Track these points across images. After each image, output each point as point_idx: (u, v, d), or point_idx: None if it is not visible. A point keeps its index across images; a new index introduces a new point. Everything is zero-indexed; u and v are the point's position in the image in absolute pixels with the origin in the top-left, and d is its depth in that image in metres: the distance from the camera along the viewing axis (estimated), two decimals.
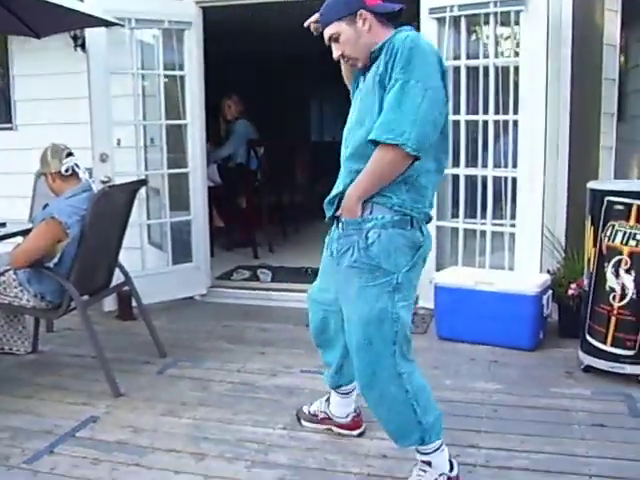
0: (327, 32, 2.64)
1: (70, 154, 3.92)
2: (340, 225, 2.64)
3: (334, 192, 2.68)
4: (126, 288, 4.34)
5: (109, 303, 5.08)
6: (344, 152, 2.69)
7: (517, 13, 4.50)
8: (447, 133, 2.65)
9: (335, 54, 2.67)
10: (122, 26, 4.79)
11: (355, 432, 3.24)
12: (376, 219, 2.54)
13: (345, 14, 2.60)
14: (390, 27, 2.65)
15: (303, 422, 3.35)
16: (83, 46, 5.37)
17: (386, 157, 2.44)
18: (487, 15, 4.62)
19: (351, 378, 3.07)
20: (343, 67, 2.88)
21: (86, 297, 4.00)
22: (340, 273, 2.67)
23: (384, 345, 2.60)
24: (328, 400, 3.30)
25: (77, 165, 3.92)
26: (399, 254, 2.55)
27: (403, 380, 2.62)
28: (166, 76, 5.35)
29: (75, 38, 5.66)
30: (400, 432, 2.72)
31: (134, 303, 4.49)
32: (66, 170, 3.85)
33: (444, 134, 2.61)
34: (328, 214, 2.73)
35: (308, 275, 5.74)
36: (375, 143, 2.45)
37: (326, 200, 2.72)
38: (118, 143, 5.25)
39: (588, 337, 3.93)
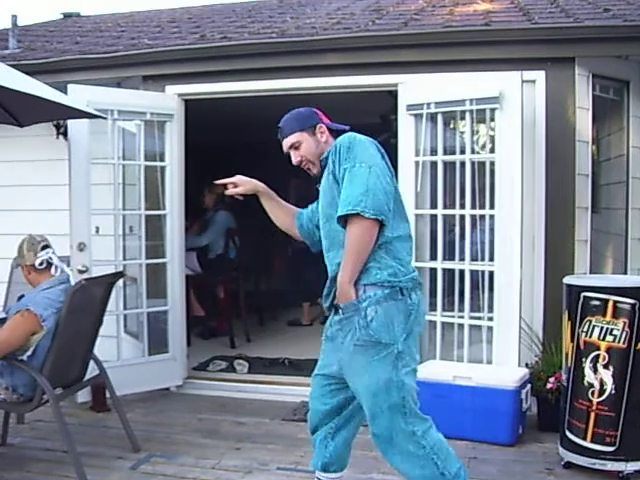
0: (289, 141, 3.08)
1: (46, 246, 3.92)
2: (340, 311, 2.90)
3: (331, 287, 2.96)
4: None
5: (83, 394, 4.97)
6: (323, 247, 3.07)
7: (492, 111, 4.62)
8: (401, 202, 3.00)
9: (295, 160, 3.10)
10: (104, 118, 4.84)
11: None
12: (370, 297, 2.83)
13: (307, 126, 3.08)
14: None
15: None
16: (65, 134, 5.44)
17: (355, 229, 2.77)
18: (463, 112, 4.74)
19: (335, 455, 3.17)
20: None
21: (59, 390, 3.93)
22: (344, 352, 2.92)
23: (395, 411, 2.83)
24: None
25: (52, 258, 3.91)
26: (395, 325, 2.83)
27: (418, 437, 2.84)
28: (147, 166, 5.38)
29: (58, 127, 5.74)
30: None
31: (108, 394, 4.40)
32: (40, 264, 3.85)
33: (399, 202, 2.97)
34: (325, 305, 3.02)
35: (285, 366, 5.71)
36: (343, 223, 2.81)
37: (323, 295, 3.01)
38: (97, 231, 5.25)
39: (568, 433, 3.91)
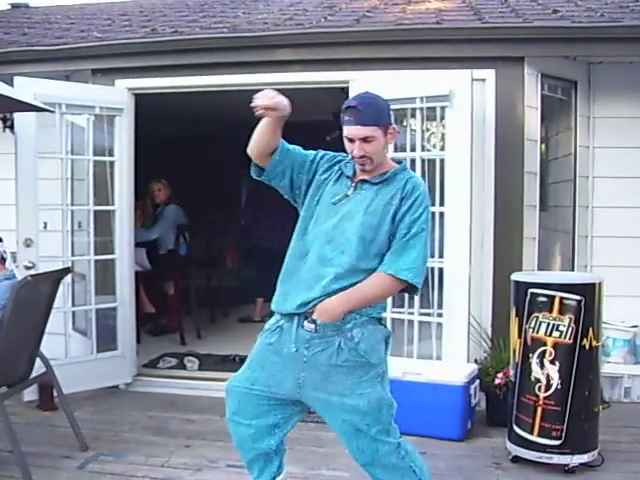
0: (365, 132, 2.75)
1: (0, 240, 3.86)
2: (314, 327, 2.74)
3: (312, 296, 2.76)
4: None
5: (29, 392, 4.88)
6: (330, 255, 2.78)
7: (442, 109, 4.66)
8: None
9: (358, 152, 2.78)
10: (52, 112, 4.77)
11: None
12: (355, 319, 2.75)
13: (385, 123, 2.81)
14: None
15: None
16: (12, 128, 5.32)
17: (394, 289, 2.79)
18: (414, 110, 4.78)
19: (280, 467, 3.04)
20: (266, 130, 2.86)
21: (4, 388, 3.85)
22: (313, 371, 2.77)
23: (382, 429, 2.80)
24: None
25: (5, 252, 3.85)
26: (379, 347, 2.81)
27: (400, 448, 2.85)
28: (96, 161, 5.30)
29: (4, 120, 5.62)
30: None
31: (56, 392, 4.34)
32: None
33: None
34: (298, 310, 2.79)
35: (236, 363, 5.60)
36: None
37: (299, 302, 2.78)
38: (44, 226, 5.16)
39: (515, 427, 3.96)
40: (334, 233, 2.79)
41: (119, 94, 5.37)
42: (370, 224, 2.76)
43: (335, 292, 2.74)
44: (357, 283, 2.75)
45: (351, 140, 2.79)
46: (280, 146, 2.93)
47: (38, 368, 4.16)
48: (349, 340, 2.74)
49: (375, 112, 2.79)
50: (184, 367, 5.83)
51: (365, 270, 2.76)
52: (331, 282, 2.75)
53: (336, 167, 2.95)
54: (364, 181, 2.85)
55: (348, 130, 2.78)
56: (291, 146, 2.98)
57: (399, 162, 2.97)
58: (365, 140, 2.76)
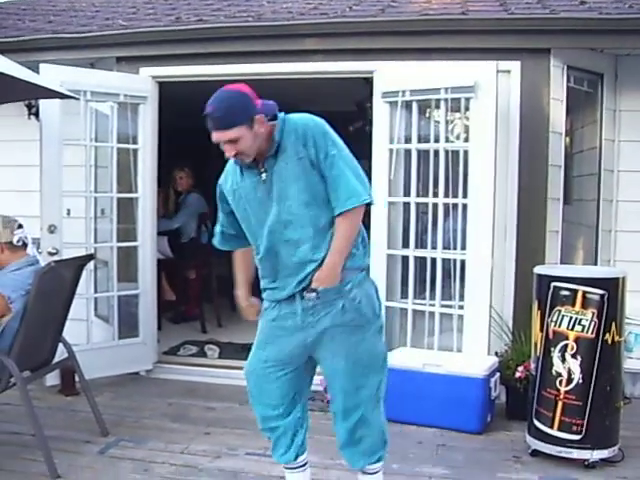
0: (227, 135, 2.74)
1: (20, 226, 3.88)
2: (315, 294, 2.83)
3: (306, 271, 2.86)
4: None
5: (51, 377, 4.93)
6: (294, 235, 2.86)
7: (467, 100, 4.63)
8: None
9: (230, 153, 2.81)
10: (77, 99, 4.79)
11: None
12: (352, 280, 2.87)
13: (247, 119, 2.76)
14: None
15: None
16: (37, 115, 5.36)
17: (355, 215, 2.81)
18: (438, 101, 4.75)
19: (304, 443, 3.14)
20: None
21: (27, 373, 3.89)
22: (321, 333, 2.89)
23: (377, 379, 2.97)
24: None
25: (27, 237, 3.87)
26: (374, 301, 2.97)
27: (381, 403, 3.03)
28: (119, 149, 5.32)
29: (29, 107, 5.66)
30: (372, 449, 3.03)
31: (77, 377, 4.37)
32: (18, 241, 3.80)
33: None
34: (294, 291, 2.89)
35: None
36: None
37: (295, 283, 2.88)
38: (68, 213, 5.19)
39: (535, 421, 3.95)
40: (282, 217, 2.85)
41: (143, 82, 5.38)
42: (302, 188, 2.82)
43: (324, 259, 2.83)
44: (332, 237, 2.84)
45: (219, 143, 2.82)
46: (230, 231, 3.21)
47: (60, 353, 4.20)
48: (352, 300, 2.87)
49: (230, 114, 2.75)
50: (205, 355, 5.86)
51: (332, 222, 2.84)
52: (315, 253, 2.84)
53: (230, 169, 3.01)
54: (265, 159, 2.86)
55: (212, 135, 2.80)
56: (221, 214, 3.16)
57: (274, 116, 2.89)
58: (231, 142, 2.77)
